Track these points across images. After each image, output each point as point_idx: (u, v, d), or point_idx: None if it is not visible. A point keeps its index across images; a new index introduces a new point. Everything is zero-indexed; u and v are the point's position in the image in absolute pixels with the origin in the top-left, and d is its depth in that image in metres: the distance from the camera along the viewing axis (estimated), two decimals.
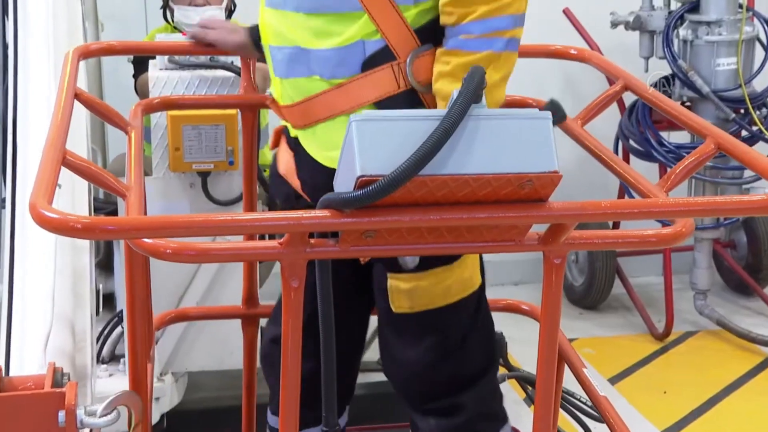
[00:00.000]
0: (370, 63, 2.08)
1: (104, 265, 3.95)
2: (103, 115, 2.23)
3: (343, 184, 1.58)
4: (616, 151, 4.98)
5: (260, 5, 2.24)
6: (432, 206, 1.58)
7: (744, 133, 4.85)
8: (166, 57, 3.60)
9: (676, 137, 4.99)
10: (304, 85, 2.15)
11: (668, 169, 4.77)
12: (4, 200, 2.57)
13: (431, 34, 2.11)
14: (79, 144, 2.57)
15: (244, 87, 2.59)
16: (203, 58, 3.73)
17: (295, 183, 2.28)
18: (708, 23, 4.84)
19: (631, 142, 4.97)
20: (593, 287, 5.12)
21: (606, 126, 4.84)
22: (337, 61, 2.09)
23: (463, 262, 2.21)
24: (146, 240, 1.63)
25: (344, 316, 2.13)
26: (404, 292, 2.19)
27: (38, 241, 2.37)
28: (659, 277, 5.13)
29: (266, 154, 4.48)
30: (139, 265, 2.09)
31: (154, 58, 3.74)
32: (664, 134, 4.88)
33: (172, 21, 4.44)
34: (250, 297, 2.66)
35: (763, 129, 4.87)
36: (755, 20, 4.95)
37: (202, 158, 3.46)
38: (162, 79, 3.50)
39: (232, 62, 3.78)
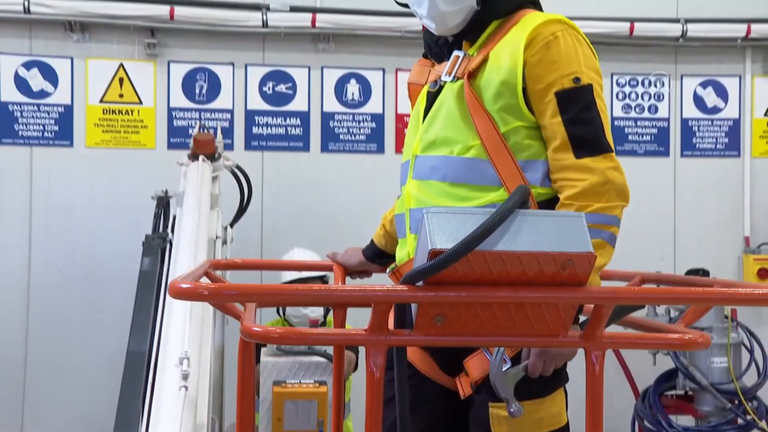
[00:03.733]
0: None
1: None
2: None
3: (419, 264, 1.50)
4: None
5: (408, 180, 2.16)
6: (489, 286, 1.48)
7: (740, 421, 4.60)
8: (275, 345, 3.69)
9: (683, 420, 4.75)
10: None
11: None
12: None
13: (551, 206, 2.04)
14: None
15: (337, 285, 2.50)
16: (303, 347, 3.80)
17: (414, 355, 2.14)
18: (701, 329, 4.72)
19: (646, 422, 4.72)
20: None
21: (625, 408, 4.64)
22: None
23: (553, 399, 2.03)
24: (256, 329, 1.55)
25: None
26: (504, 419, 1.99)
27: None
28: None
29: (349, 425, 4.33)
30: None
31: (264, 346, 3.80)
32: (672, 417, 4.65)
33: (284, 315, 4.48)
34: None
35: (755, 418, 4.62)
36: (739, 329, 4.83)
37: (298, 426, 3.51)
38: (270, 362, 3.58)
39: (324, 350, 3.79)
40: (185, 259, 3.23)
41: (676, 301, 1.53)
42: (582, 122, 1.97)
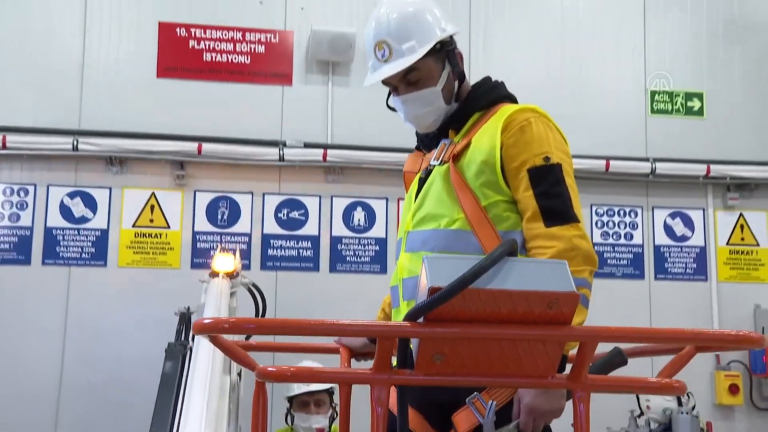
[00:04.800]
0: None
1: None
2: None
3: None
4: None
5: (401, 254, 2.20)
6: (482, 323, 1.48)
7: None
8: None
9: None
10: None
11: None
12: None
13: None
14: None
15: (344, 365, 2.47)
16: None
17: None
18: None
19: None
20: None
21: None
22: None
23: None
24: (271, 368, 1.54)
25: None
26: None
27: None
28: None
29: None
30: None
31: None
32: None
33: (292, 424, 4.38)
34: None
35: None
36: None
37: None
38: None
39: None
40: (203, 359, 3.21)
41: (661, 339, 1.51)
42: (551, 196, 2.03)
